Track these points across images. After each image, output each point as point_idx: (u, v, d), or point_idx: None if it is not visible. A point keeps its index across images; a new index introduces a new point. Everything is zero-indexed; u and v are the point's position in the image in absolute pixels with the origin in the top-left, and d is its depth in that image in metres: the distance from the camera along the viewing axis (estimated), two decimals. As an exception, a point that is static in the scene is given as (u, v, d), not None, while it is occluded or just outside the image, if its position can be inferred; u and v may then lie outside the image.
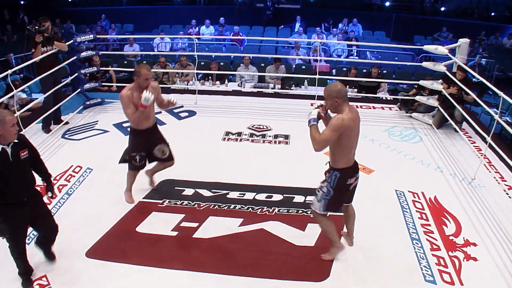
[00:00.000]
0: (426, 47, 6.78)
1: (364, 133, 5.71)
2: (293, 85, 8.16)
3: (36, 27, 5.70)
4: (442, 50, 6.59)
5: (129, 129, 4.33)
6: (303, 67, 9.55)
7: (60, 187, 4.86)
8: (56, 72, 6.00)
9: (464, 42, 6.69)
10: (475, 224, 4.34)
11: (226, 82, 8.39)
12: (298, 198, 4.64)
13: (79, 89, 6.89)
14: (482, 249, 3.98)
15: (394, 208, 4.53)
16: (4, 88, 7.35)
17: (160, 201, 4.62)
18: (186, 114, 6.84)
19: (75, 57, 6.69)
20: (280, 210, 4.45)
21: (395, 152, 5.72)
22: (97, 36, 7.94)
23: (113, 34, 12.35)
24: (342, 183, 3.31)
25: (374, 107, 7.30)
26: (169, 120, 6.60)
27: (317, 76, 7.13)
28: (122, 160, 4.45)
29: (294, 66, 9.70)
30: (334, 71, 9.48)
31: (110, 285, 3.54)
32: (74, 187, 4.89)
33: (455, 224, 4.32)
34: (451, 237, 4.13)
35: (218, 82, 8.55)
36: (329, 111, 3.27)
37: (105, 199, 4.65)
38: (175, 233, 4.16)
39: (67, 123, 6.37)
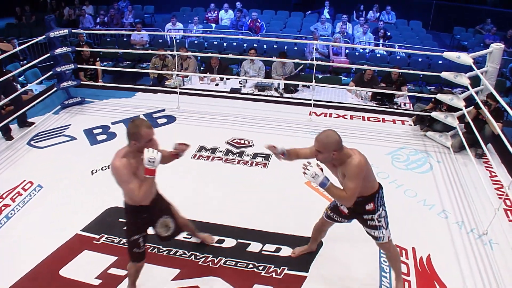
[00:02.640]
0: (446, 55, 5.68)
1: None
2: (298, 85, 7.28)
3: None
4: (466, 59, 5.48)
5: (123, 204, 3.07)
6: (319, 61, 8.59)
7: (3, 208, 4.44)
8: (3, 82, 5.45)
9: (497, 48, 5.59)
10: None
11: (225, 79, 7.65)
12: (254, 246, 3.94)
13: (55, 88, 6.40)
14: None
15: (370, 271, 3.68)
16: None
17: (98, 236, 4.08)
18: (164, 120, 6.22)
19: (49, 54, 6.17)
20: (227, 262, 3.77)
21: (393, 186, 4.79)
22: (80, 28, 7.42)
23: (129, 16, 11.80)
24: (383, 197, 3.10)
25: (384, 120, 6.32)
26: (145, 128, 5.99)
27: (318, 75, 6.30)
28: (128, 250, 3.21)
29: (309, 60, 8.76)
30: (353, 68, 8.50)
31: None
32: (16, 209, 4.46)
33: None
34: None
35: (218, 78, 7.85)
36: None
37: (41, 227, 4.19)
38: (97, 282, 3.61)
39: (32, 124, 5.91)
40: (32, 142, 5.64)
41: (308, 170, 2.76)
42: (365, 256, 3.78)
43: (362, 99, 6.85)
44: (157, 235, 3.25)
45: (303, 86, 7.27)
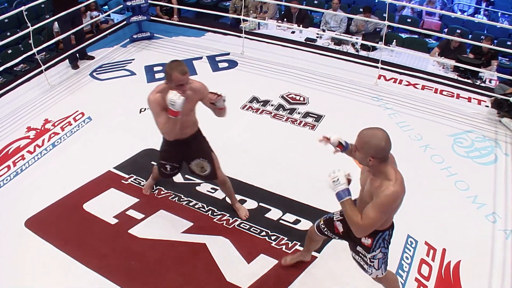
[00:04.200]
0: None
1: (421, 134, 4.32)
2: (377, 43, 6.58)
3: None
4: None
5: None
6: (408, 20, 7.65)
7: (52, 136, 4.66)
8: (75, 11, 5.57)
9: None
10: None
11: (301, 27, 7.12)
12: (274, 213, 3.70)
13: (124, 21, 6.45)
14: None
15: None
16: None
17: (127, 176, 4.13)
18: (226, 65, 5.99)
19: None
20: (241, 225, 3.60)
21: (444, 173, 4.15)
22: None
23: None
24: (391, 237, 2.52)
25: (458, 96, 5.40)
26: (204, 70, 5.86)
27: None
28: (157, 163, 3.55)
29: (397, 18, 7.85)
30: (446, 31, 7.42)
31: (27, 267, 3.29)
32: (63, 138, 4.67)
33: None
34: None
35: (295, 26, 7.35)
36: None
37: (79, 159, 4.34)
38: (114, 221, 3.67)
39: (92, 58, 6.05)
40: (94, 74, 5.78)
41: (333, 173, 2.26)
42: None
43: (443, 68, 5.95)
44: (191, 171, 3.40)
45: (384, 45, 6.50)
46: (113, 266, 3.30)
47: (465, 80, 5.66)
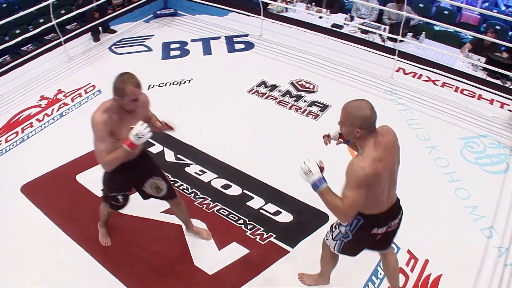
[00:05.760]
0: None
1: (430, 133, 4.12)
2: (406, 34, 6.27)
3: None
4: None
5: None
6: (445, 12, 7.20)
7: (62, 106, 4.82)
8: None
9: None
10: None
11: (328, 12, 6.89)
12: (256, 202, 3.67)
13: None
14: None
15: (360, 271, 3.14)
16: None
17: (121, 151, 4.19)
18: (242, 46, 5.92)
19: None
20: (221, 210, 3.60)
21: (446, 179, 3.89)
22: None
23: None
24: (365, 232, 2.40)
25: (480, 97, 5.01)
26: (219, 50, 5.84)
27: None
28: (104, 197, 3.06)
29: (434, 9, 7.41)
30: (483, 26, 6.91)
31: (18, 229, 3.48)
32: (71, 109, 4.82)
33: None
34: None
35: (324, 10, 7.13)
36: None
37: (81, 131, 4.42)
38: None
39: (114, 31, 6.15)
40: (113, 47, 5.90)
41: (304, 164, 2.19)
42: (362, 255, 3.21)
43: (472, 66, 5.55)
44: (146, 194, 2.99)
45: (412, 37, 6.19)
46: (92, 238, 3.40)
47: (494, 80, 5.27)
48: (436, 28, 6.52)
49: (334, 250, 2.59)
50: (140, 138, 2.39)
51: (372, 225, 2.36)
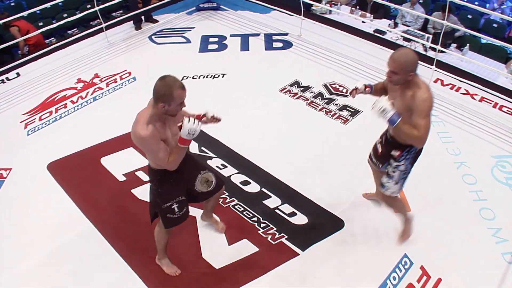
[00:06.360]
0: None
1: (461, 148, 3.96)
2: (450, 45, 6.03)
3: None
4: None
5: (148, 169, 2.68)
6: (494, 25, 6.86)
7: (96, 90, 4.94)
8: None
9: None
10: None
11: (372, 17, 6.73)
12: (273, 201, 3.61)
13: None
14: None
15: (369, 282, 3.02)
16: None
17: (147, 139, 4.25)
18: (280, 45, 5.86)
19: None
20: (236, 206, 3.57)
21: (471, 197, 3.66)
22: None
23: None
24: (418, 155, 2.81)
25: None
26: (256, 47, 5.80)
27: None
28: (153, 217, 2.83)
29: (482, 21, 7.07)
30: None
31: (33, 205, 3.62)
32: (105, 94, 4.94)
33: None
34: None
35: (369, 15, 6.97)
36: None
37: (112, 116, 4.57)
38: (122, 179, 3.86)
39: (156, 21, 6.24)
40: (153, 37, 5.99)
41: (376, 104, 2.43)
42: (372, 267, 3.10)
43: (516, 81, 5.24)
44: (199, 192, 2.85)
45: (456, 48, 5.94)
46: (107, 220, 3.46)
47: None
48: (483, 41, 6.20)
49: (397, 192, 2.90)
50: (194, 133, 2.35)
51: (420, 152, 2.76)
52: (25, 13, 5.65)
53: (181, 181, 2.70)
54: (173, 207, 2.70)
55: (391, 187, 2.87)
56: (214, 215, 3.34)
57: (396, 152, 2.75)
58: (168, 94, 2.27)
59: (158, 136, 2.36)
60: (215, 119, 2.60)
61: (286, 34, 6.07)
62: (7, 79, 5.20)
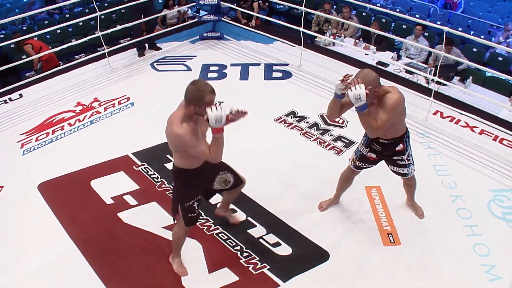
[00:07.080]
0: None
1: (457, 182, 3.96)
2: (453, 77, 6.05)
3: None
4: None
5: (173, 168, 2.86)
6: (499, 58, 6.87)
7: (94, 114, 5.01)
8: (146, 2, 5.91)
9: None
10: None
11: (374, 49, 6.80)
12: (258, 231, 3.56)
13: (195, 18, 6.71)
14: None
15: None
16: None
17: (139, 163, 4.29)
18: (279, 75, 5.90)
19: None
20: (220, 234, 3.53)
21: (465, 232, 3.54)
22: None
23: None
24: (409, 138, 3.26)
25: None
26: (256, 76, 5.84)
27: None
28: (181, 212, 2.95)
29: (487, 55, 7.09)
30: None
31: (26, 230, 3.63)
32: (102, 118, 4.99)
33: None
34: None
35: (372, 47, 7.05)
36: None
37: (107, 140, 4.61)
38: (110, 202, 3.85)
39: (159, 48, 6.37)
40: (154, 64, 6.09)
41: (355, 89, 2.71)
42: None
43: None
44: (215, 190, 3.09)
45: (459, 81, 5.95)
46: (91, 242, 3.45)
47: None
48: (488, 74, 6.20)
49: (414, 167, 3.33)
50: (221, 120, 2.45)
51: (409, 133, 3.23)
52: (34, 34, 5.91)
53: (203, 181, 2.90)
54: (194, 205, 2.90)
55: (410, 169, 3.28)
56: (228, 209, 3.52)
57: (399, 146, 3.15)
58: (200, 97, 2.48)
59: (195, 132, 2.56)
60: (241, 113, 2.73)
61: (287, 65, 6.13)
62: (10, 99, 5.31)
